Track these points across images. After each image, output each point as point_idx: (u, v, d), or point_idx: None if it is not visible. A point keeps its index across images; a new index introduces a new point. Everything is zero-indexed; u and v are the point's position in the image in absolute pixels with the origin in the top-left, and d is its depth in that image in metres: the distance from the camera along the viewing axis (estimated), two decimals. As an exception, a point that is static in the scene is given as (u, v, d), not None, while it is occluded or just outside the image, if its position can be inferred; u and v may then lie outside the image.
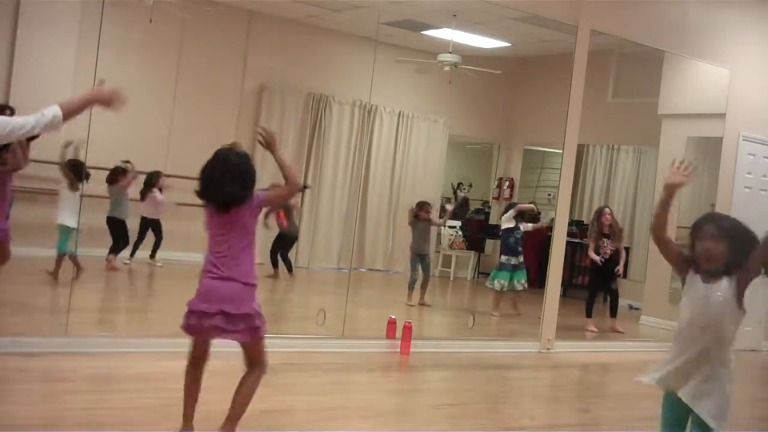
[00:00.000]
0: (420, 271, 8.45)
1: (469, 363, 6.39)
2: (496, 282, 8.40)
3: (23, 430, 3.68)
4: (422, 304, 8.47)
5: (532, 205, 9.02)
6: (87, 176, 7.03)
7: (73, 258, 6.66)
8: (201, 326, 3.48)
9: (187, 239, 9.02)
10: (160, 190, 8.32)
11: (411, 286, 8.43)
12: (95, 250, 7.98)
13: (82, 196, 6.51)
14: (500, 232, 8.64)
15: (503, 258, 8.45)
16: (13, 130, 3.23)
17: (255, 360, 3.59)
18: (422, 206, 8.73)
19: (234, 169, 3.42)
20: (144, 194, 8.36)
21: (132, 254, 8.58)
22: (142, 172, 8.49)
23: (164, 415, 4.10)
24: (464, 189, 12.08)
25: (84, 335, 5.37)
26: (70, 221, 6.81)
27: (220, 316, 3.42)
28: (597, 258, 8.18)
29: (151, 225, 8.60)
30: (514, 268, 8.38)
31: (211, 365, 5.21)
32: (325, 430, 3.66)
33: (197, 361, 3.66)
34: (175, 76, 9.17)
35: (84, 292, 6.18)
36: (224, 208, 3.43)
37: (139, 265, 8.66)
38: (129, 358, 5.07)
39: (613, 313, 8.38)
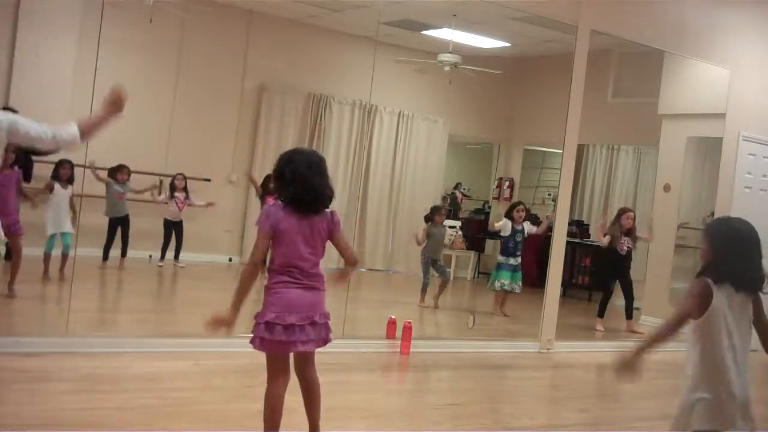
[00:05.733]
0: (435, 274, 8.41)
1: (469, 363, 6.39)
2: (496, 283, 8.38)
3: (23, 430, 3.67)
4: (436, 306, 8.46)
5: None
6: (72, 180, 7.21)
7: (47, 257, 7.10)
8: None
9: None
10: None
11: (424, 289, 8.41)
12: (94, 250, 8.01)
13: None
14: (499, 236, 8.62)
15: (501, 258, 8.44)
16: (28, 136, 3.12)
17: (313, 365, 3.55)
18: (437, 211, 8.67)
19: (326, 173, 3.42)
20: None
21: (162, 257, 8.70)
22: (141, 172, 8.51)
23: (164, 415, 4.10)
24: (464, 189, 12.10)
25: (84, 335, 5.37)
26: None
27: (310, 327, 3.37)
28: (605, 239, 8.27)
29: (174, 227, 8.66)
30: (513, 269, 8.36)
31: (209, 365, 5.23)
32: (325, 430, 3.66)
33: (286, 380, 3.44)
34: (175, 76, 9.18)
35: (84, 292, 6.17)
36: (314, 214, 3.39)
37: (141, 266, 8.67)
38: (129, 358, 5.07)
39: (629, 313, 8.39)
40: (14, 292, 6.27)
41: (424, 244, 8.45)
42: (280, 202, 3.40)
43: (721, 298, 2.93)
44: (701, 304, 2.94)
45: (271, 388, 3.38)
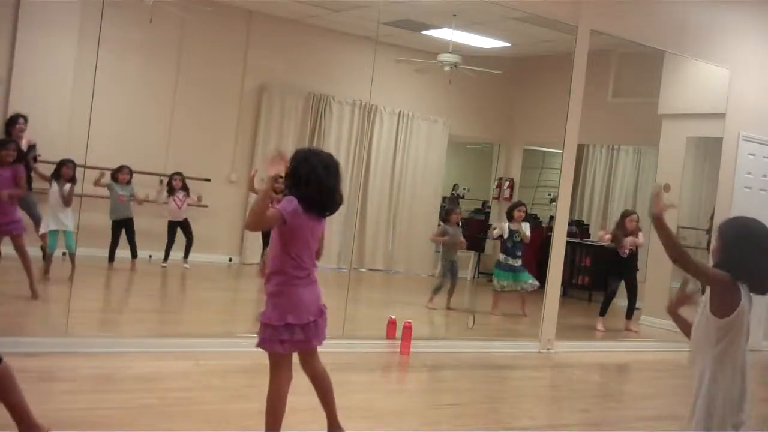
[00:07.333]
0: (449, 276, 8.43)
1: (469, 363, 6.39)
2: (496, 282, 8.37)
3: (23, 430, 3.67)
4: (449, 308, 8.45)
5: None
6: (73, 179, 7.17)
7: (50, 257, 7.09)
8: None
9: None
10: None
11: (436, 291, 8.42)
12: (94, 250, 8.01)
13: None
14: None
15: (501, 257, 8.44)
16: None
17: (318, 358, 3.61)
18: (452, 211, 8.66)
19: (340, 178, 3.45)
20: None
21: (165, 258, 8.65)
22: (141, 172, 8.50)
23: (164, 415, 4.10)
24: (464, 189, 12.10)
25: (84, 335, 5.37)
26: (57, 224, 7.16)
27: (321, 320, 3.48)
28: (607, 236, 8.25)
29: (180, 227, 8.63)
30: (514, 269, 8.35)
31: (209, 365, 5.23)
32: (326, 430, 3.67)
33: (290, 379, 3.49)
34: (175, 76, 9.18)
35: (85, 292, 6.17)
36: (323, 217, 3.44)
37: (142, 266, 8.67)
38: (129, 358, 5.07)
39: (630, 313, 8.40)
40: (36, 293, 6.27)
41: (442, 241, 8.44)
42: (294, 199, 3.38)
43: (743, 297, 2.84)
44: (725, 295, 2.83)
45: (277, 387, 3.39)
